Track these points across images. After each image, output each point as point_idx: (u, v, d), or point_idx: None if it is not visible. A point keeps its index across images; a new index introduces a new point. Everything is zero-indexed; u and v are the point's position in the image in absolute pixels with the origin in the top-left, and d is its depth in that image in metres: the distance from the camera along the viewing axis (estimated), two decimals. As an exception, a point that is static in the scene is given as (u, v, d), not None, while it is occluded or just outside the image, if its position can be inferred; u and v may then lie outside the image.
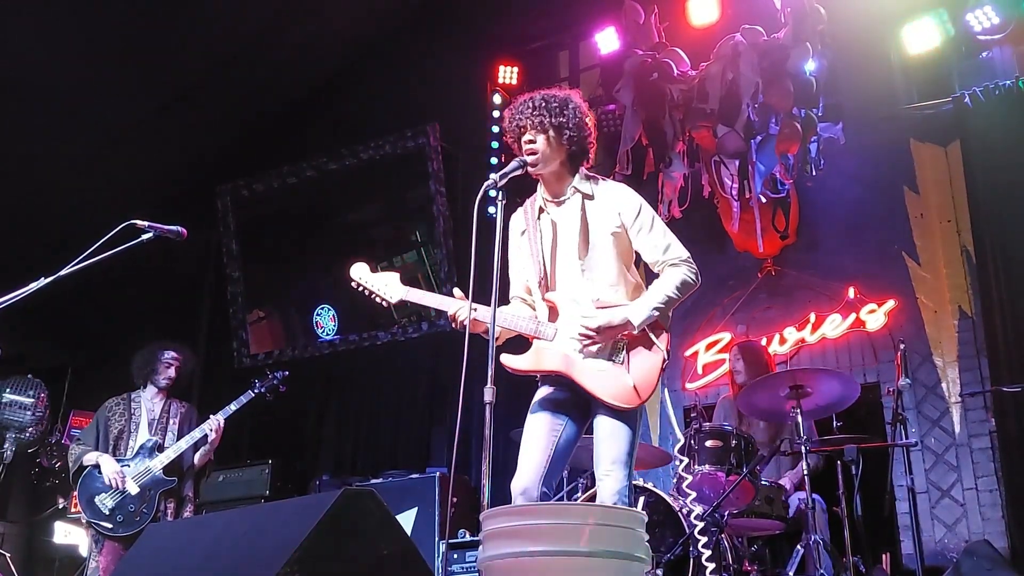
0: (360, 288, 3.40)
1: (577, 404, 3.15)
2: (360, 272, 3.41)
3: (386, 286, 3.37)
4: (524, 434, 3.14)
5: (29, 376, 7.20)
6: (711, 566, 4.06)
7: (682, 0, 6.44)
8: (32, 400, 7.09)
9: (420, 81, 7.79)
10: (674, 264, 3.18)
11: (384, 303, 3.40)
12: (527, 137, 3.15)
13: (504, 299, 3.25)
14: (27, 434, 7.05)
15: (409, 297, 3.32)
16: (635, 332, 3.08)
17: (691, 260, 3.19)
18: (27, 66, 6.60)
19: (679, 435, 4.11)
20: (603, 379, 3.06)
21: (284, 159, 8.05)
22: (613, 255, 3.18)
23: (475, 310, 3.08)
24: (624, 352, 3.09)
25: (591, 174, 3.32)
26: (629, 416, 3.07)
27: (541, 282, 3.19)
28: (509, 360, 3.10)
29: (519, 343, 3.21)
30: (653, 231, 3.20)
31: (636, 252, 3.25)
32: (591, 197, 3.23)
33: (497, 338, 3.06)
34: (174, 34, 6.96)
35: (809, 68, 5.60)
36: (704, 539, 4.11)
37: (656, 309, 3.09)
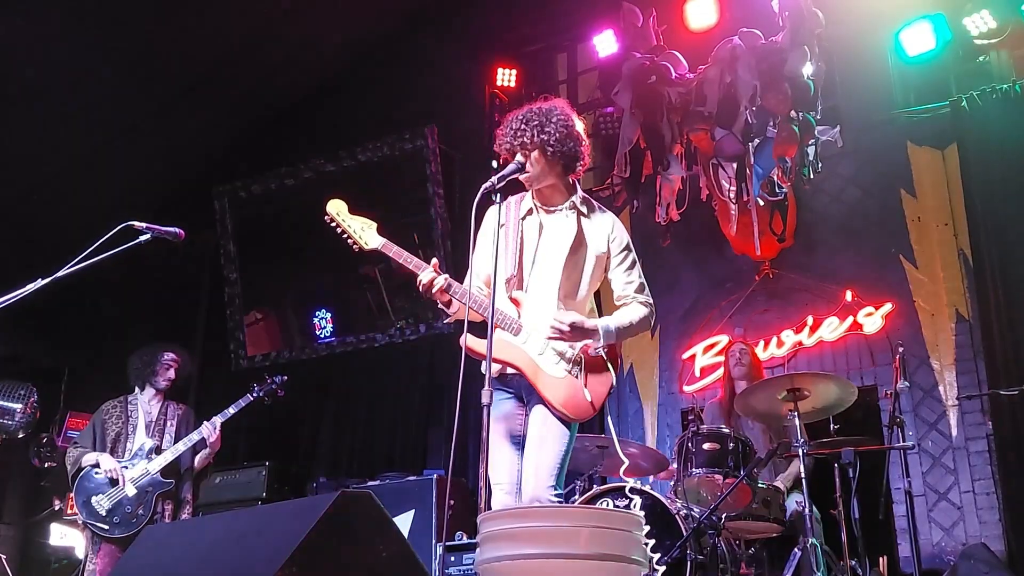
0: (334, 225, 3.25)
1: (520, 407, 3.16)
2: (337, 208, 3.26)
3: (363, 230, 3.22)
4: (492, 460, 3.06)
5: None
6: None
7: (680, 3, 6.45)
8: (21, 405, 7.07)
9: (418, 83, 7.79)
10: (642, 303, 3.27)
11: (356, 247, 3.22)
12: (518, 158, 3.17)
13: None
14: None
15: (386, 249, 3.20)
16: (596, 345, 3.12)
17: (654, 308, 3.30)
18: (25, 67, 6.59)
19: (616, 445, 4.11)
20: (559, 386, 3.09)
21: (282, 161, 8.05)
22: (590, 277, 3.24)
23: (451, 289, 3.07)
24: (582, 368, 3.13)
25: (588, 197, 3.35)
26: (570, 424, 3.11)
27: (511, 279, 3.17)
28: (472, 343, 3.01)
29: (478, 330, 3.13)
30: (633, 269, 3.29)
31: (605, 281, 3.30)
32: (587, 216, 3.27)
33: (456, 312, 3.12)
34: (172, 36, 6.96)
35: (807, 71, 5.60)
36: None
37: (618, 332, 3.17)
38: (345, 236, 3.25)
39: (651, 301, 3.29)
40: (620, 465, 4.68)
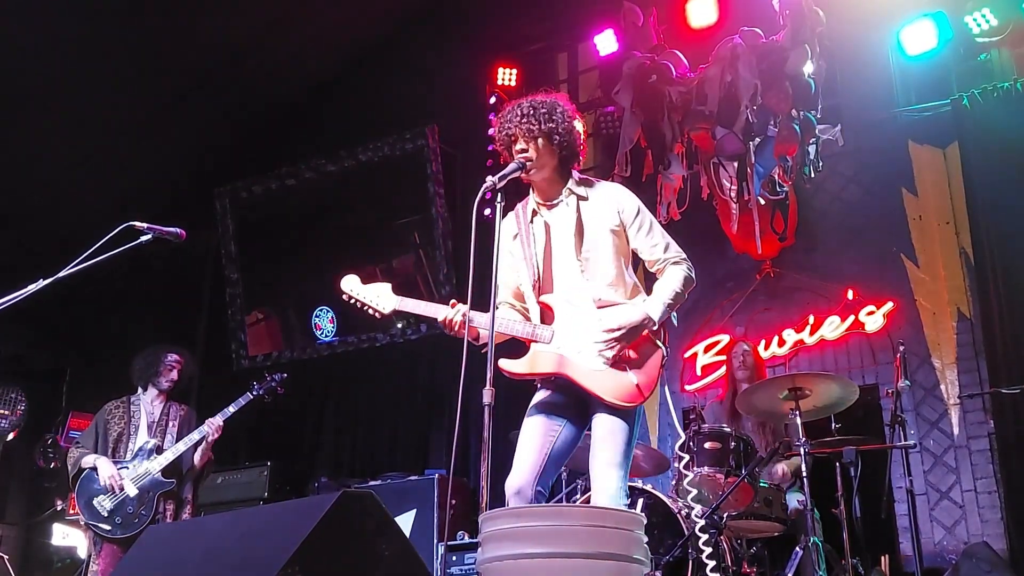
0: (352, 301, 3.34)
1: (575, 406, 3.14)
2: (351, 284, 3.34)
3: (378, 297, 3.30)
4: (520, 436, 3.13)
5: None
6: (710, 566, 4.05)
7: (681, 2, 6.45)
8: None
9: (419, 83, 7.79)
10: (676, 262, 3.21)
11: (377, 314, 3.33)
12: (519, 146, 3.15)
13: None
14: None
15: (402, 307, 3.27)
16: (654, 328, 3.07)
17: (688, 259, 3.24)
18: (26, 67, 6.60)
19: (681, 433, 4.07)
20: (603, 378, 3.04)
21: (282, 161, 8.05)
22: (612, 253, 3.17)
23: (471, 320, 3.07)
24: (624, 352, 3.07)
25: (585, 177, 3.32)
26: (628, 415, 3.05)
27: (535, 284, 3.17)
28: (507, 364, 3.08)
29: (515, 348, 3.18)
30: (652, 231, 3.22)
31: (633, 252, 3.25)
32: (586, 199, 3.23)
33: (485, 341, 3.07)
34: (173, 36, 6.96)
35: (808, 70, 5.60)
36: (703, 540, 4.10)
37: (667, 305, 3.11)
38: (364, 308, 3.31)
39: (683, 255, 3.22)
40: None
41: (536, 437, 3.09)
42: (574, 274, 3.16)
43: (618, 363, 3.05)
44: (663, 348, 3.12)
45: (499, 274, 3.16)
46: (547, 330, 3.12)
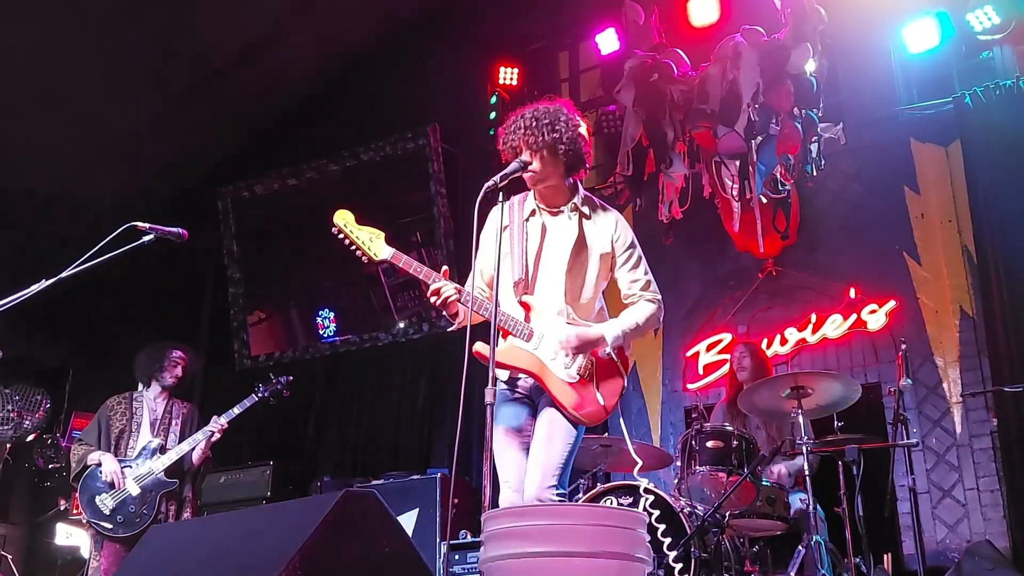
0: (341, 236, 3.15)
1: (529, 408, 3.19)
2: (344, 219, 3.16)
3: (371, 241, 3.13)
4: (497, 457, 3.10)
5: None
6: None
7: (682, 1, 6.45)
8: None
9: (420, 82, 7.79)
10: (649, 300, 3.26)
11: (365, 258, 3.13)
12: (524, 158, 3.15)
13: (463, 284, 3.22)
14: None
15: (395, 260, 3.11)
16: (606, 349, 3.14)
17: (662, 303, 3.30)
18: (28, 67, 6.61)
19: (629, 446, 3.85)
20: (572, 392, 3.10)
21: (285, 161, 8.05)
22: (595, 276, 3.22)
23: (458, 291, 3.07)
24: (594, 372, 3.15)
25: (590, 196, 3.33)
26: (578, 425, 3.12)
27: (519, 282, 3.17)
28: (484, 349, 2.97)
29: (477, 333, 3.10)
30: (638, 267, 3.28)
31: (612, 281, 3.30)
32: (588, 218, 3.25)
33: (461, 320, 3.11)
34: (175, 36, 6.97)
35: (809, 68, 5.59)
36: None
37: (625, 334, 3.18)
38: (354, 248, 3.16)
39: (658, 296, 3.28)
40: (624, 462, 4.68)
41: (515, 462, 3.10)
42: (557, 284, 3.19)
43: (588, 382, 3.12)
44: (625, 378, 3.21)
45: (478, 259, 3.19)
46: (527, 328, 3.14)
